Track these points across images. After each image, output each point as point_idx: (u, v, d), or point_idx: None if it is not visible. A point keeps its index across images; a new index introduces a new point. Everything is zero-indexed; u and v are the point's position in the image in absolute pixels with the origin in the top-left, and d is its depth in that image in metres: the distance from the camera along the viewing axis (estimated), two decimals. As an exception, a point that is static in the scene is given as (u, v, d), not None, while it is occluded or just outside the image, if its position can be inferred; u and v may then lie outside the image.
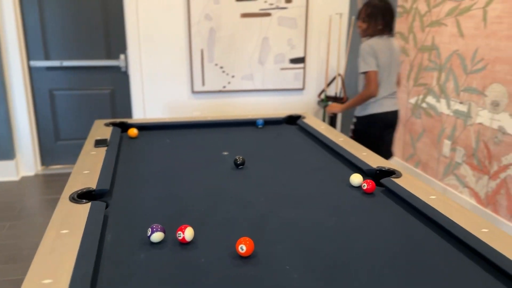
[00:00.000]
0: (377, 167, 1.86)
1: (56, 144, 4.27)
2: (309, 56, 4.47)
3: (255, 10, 4.21)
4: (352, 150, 2.11)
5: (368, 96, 2.85)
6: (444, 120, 3.44)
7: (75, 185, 1.60)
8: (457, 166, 3.29)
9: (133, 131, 2.41)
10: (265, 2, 4.20)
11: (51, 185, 3.87)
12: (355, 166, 1.93)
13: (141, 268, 1.15)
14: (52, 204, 3.46)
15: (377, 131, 2.92)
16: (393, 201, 1.58)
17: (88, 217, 1.34)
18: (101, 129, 2.43)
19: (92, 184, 1.61)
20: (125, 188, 1.68)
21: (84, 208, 1.41)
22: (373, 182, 1.64)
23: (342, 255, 1.22)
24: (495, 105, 2.91)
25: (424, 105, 3.69)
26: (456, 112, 3.30)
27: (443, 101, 3.45)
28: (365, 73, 2.85)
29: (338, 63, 4.44)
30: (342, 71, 4.43)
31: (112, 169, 1.79)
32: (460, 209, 1.46)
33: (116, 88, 4.23)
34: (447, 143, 3.41)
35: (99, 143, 2.12)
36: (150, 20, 4.01)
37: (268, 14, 4.24)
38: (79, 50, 4.05)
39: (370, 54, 2.82)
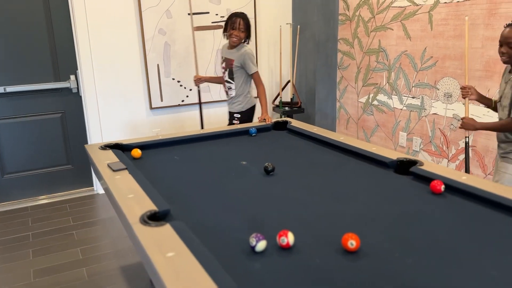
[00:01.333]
0: (397, 158, 2.05)
1: (3, 179, 3.86)
2: (260, 65, 4.62)
3: (208, 23, 4.25)
4: (362, 146, 2.29)
5: (264, 90, 3.33)
6: (398, 114, 3.82)
7: (132, 210, 1.54)
8: (415, 154, 3.67)
9: (137, 152, 2.33)
10: (217, 15, 4.27)
11: (1, 225, 3.49)
12: (375, 160, 2.10)
13: (266, 277, 1.17)
14: (11, 247, 3.12)
15: (252, 119, 3.47)
16: (423, 183, 1.76)
17: (180, 237, 1.32)
18: (101, 153, 2.30)
19: (146, 207, 1.56)
20: (182, 205, 1.66)
21: (167, 229, 1.38)
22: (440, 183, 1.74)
23: (426, 238, 1.37)
24: (448, 96, 3.32)
25: (375, 102, 4.05)
26: (410, 106, 3.68)
27: (395, 97, 3.82)
28: (255, 73, 3.26)
29: (289, 70, 4.65)
30: (291, 77, 4.65)
31: (154, 190, 1.75)
32: (495, 184, 1.70)
33: (67, 111, 3.95)
34: (402, 135, 3.79)
35: (117, 167, 2.02)
36: (101, 37, 3.84)
37: (220, 27, 4.30)
38: (23, 74, 3.72)
39: (254, 57, 3.31)
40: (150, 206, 1.57)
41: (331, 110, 4.59)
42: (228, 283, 1.08)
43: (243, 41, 3.28)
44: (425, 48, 3.43)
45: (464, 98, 2.55)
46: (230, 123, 3.50)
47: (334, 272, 1.19)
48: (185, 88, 4.28)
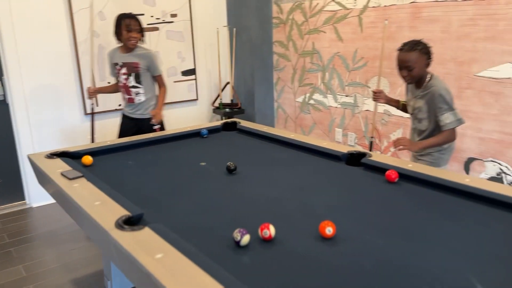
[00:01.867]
0: (348, 151, 2.20)
1: None
2: (198, 68, 4.63)
3: (143, 25, 4.16)
4: (314, 142, 2.42)
5: (166, 92, 3.35)
6: (333, 112, 4.05)
7: (104, 217, 1.50)
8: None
9: (88, 159, 2.24)
10: (152, 16, 4.19)
11: None
12: (328, 154, 2.24)
13: (256, 268, 1.23)
14: None
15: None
16: (377, 174, 1.92)
17: (164, 238, 1.32)
18: (49, 162, 2.18)
19: (117, 213, 1.53)
20: (153, 209, 1.64)
21: (147, 232, 1.37)
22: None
23: (391, 221, 1.52)
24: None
25: (312, 101, 4.26)
26: (344, 104, 3.92)
27: (330, 96, 4.05)
28: (160, 74, 3.25)
29: (228, 72, 4.71)
30: (230, 79, 4.71)
31: (120, 195, 1.71)
32: (440, 170, 1.90)
33: (-8, 120, 3.65)
34: (338, 131, 4.03)
35: (72, 175, 1.94)
36: (30, 41, 3.59)
37: (156, 29, 4.24)
38: None
39: (159, 59, 3.27)
40: (121, 211, 1.54)
41: (269, 110, 4.73)
42: (223, 275, 1.11)
43: (137, 43, 3.17)
44: (356, 50, 3.68)
45: (374, 101, 2.69)
46: (139, 131, 3.14)
47: (317, 258, 1.27)
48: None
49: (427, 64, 2.26)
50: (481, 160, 2.95)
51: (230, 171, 2.04)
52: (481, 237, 1.37)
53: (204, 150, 2.50)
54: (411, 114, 2.44)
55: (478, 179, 1.79)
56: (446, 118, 2.19)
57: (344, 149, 2.26)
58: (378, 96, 2.63)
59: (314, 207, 1.64)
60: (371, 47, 3.55)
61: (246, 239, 1.33)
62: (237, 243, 1.33)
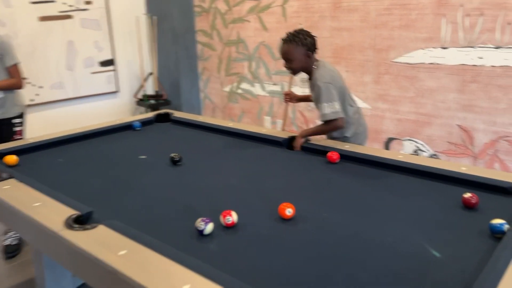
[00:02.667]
0: (288, 136, 2.26)
1: None
2: (118, 58, 4.40)
3: (54, 12, 3.84)
4: (254, 129, 2.44)
5: (18, 87, 2.82)
6: (262, 100, 4.12)
7: (48, 218, 1.38)
8: (279, 135, 4.04)
9: (12, 158, 2.03)
10: (64, 3, 3.89)
11: None
12: (269, 140, 2.28)
13: (225, 254, 1.23)
14: None
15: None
16: (319, 156, 2.02)
17: (123, 234, 1.26)
18: (-35, 164, 1.94)
19: (63, 212, 1.42)
20: (102, 206, 1.54)
21: (103, 230, 1.29)
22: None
23: (342, 198, 1.60)
24: (304, 82, 3.73)
25: (239, 91, 4.28)
26: (271, 92, 4.01)
27: (257, 85, 4.11)
28: (14, 65, 2.75)
29: (151, 63, 4.54)
30: (153, 69, 4.56)
31: (61, 194, 1.58)
32: (375, 149, 2.04)
33: None
34: (267, 119, 4.11)
35: (-1, 176, 1.75)
36: None
37: (69, 17, 3.94)
38: None
39: (13, 48, 2.81)
40: (67, 211, 1.43)
41: (196, 100, 4.67)
42: (194, 263, 1.10)
43: None
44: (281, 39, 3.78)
45: (286, 102, 2.66)
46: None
47: (282, 237, 1.31)
48: (33, 85, 3.82)
49: (308, 55, 2.18)
50: (399, 139, 3.22)
51: (174, 162, 1.99)
52: (421, 206, 1.50)
53: (140, 143, 2.41)
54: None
55: (410, 155, 1.96)
56: (322, 109, 2.17)
57: (283, 134, 2.32)
58: (288, 98, 2.62)
59: (267, 192, 1.67)
60: (296, 35, 3.67)
61: (210, 227, 1.32)
62: (201, 232, 1.31)
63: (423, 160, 1.85)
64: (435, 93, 2.95)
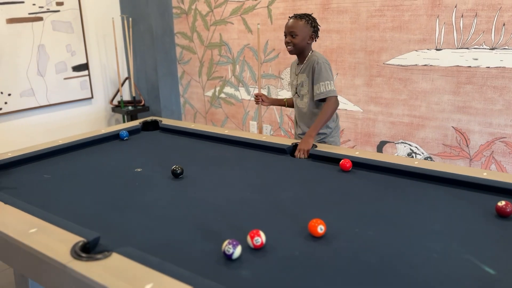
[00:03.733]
0: (292, 143, 2.15)
1: None
2: (92, 62, 4.15)
3: (24, 14, 3.57)
4: (254, 136, 2.31)
5: None
6: (247, 105, 3.98)
7: (50, 247, 1.20)
8: (265, 140, 3.92)
9: (-10, 176, 1.81)
10: (34, 5, 3.62)
11: None
12: (274, 149, 2.15)
13: (262, 281, 1.10)
14: None
15: None
16: (326, 164, 1.91)
17: (144, 263, 1.10)
18: None
19: (67, 240, 1.24)
20: (107, 229, 1.37)
21: (119, 259, 1.13)
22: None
23: (367, 210, 1.50)
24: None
25: (222, 95, 4.13)
26: (257, 95, 3.89)
27: (242, 89, 3.97)
28: None
29: (127, 66, 4.32)
30: (130, 73, 4.34)
31: (58, 217, 1.40)
32: (386, 155, 1.95)
33: None
34: (253, 124, 3.98)
35: (-20, 198, 1.53)
36: None
37: (40, 19, 3.67)
38: None
39: None
40: (70, 237, 1.25)
41: (175, 106, 4.48)
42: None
43: None
44: (267, 41, 3.67)
45: (257, 104, 2.64)
46: None
47: (320, 259, 1.19)
48: (1, 93, 3.53)
49: (311, 37, 2.24)
50: (393, 142, 3.18)
51: (176, 175, 1.83)
52: (453, 216, 1.42)
53: (131, 154, 2.23)
54: (295, 93, 2.40)
55: (424, 161, 1.89)
56: (321, 87, 2.18)
57: (286, 141, 2.20)
58: (258, 99, 2.57)
59: (285, 205, 1.54)
60: (282, 38, 3.54)
61: (239, 250, 1.18)
62: (229, 256, 1.17)
63: (439, 166, 1.78)
64: (429, 95, 2.93)
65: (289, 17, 2.26)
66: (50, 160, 2.13)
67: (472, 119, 2.79)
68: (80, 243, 1.20)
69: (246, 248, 1.23)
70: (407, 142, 3.11)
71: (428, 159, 3.02)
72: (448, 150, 2.94)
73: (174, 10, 4.28)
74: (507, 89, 2.61)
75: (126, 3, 4.28)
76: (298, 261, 1.18)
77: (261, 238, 1.23)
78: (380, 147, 3.25)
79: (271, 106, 3.80)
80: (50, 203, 1.60)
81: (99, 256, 1.15)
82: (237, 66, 3.94)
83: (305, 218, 1.40)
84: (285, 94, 3.67)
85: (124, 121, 4.31)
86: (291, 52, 2.28)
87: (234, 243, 1.18)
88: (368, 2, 3.04)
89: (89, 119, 4.23)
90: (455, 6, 2.69)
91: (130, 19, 4.22)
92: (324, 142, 2.30)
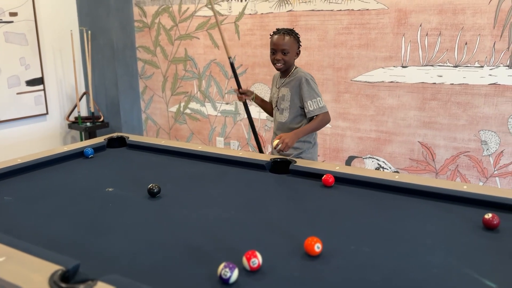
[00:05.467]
0: (270, 159, 2.10)
1: None
2: (48, 76, 3.93)
3: (-28, 23, 3.32)
4: (230, 152, 2.24)
5: None
6: (213, 121, 3.91)
7: (24, 278, 1.07)
8: (232, 157, 3.85)
9: None
10: (-16, 14, 3.39)
11: None
12: (252, 165, 2.09)
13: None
14: None
15: None
16: (307, 179, 1.88)
17: (137, 294, 1.00)
18: None
19: (42, 269, 1.11)
20: (84, 255, 1.24)
21: (105, 289, 1.02)
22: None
23: (359, 226, 1.48)
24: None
25: (187, 111, 4.04)
26: (224, 112, 3.82)
27: (208, 104, 3.90)
28: None
29: (86, 81, 4.13)
30: (88, 88, 4.14)
31: (28, 244, 1.26)
32: (368, 170, 1.95)
33: None
34: (220, 140, 3.91)
35: None
36: None
37: (-9, 29, 3.44)
38: None
39: None
40: (45, 265, 1.12)
41: (137, 122, 4.32)
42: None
43: None
44: (234, 57, 3.64)
45: (240, 101, 2.57)
46: None
47: (321, 279, 1.13)
48: None
49: (297, 54, 2.27)
50: (361, 157, 3.22)
51: (153, 194, 1.72)
52: (443, 230, 1.43)
53: (98, 172, 2.09)
54: (275, 106, 2.40)
55: (406, 175, 1.90)
56: (314, 104, 2.19)
57: (264, 157, 2.15)
58: (243, 95, 2.52)
59: (275, 223, 1.48)
60: (250, 54, 3.55)
61: (236, 274, 1.10)
62: (226, 280, 1.09)
63: (421, 180, 1.80)
64: (396, 110, 3.00)
65: (274, 32, 2.23)
66: (9, 180, 1.95)
67: (437, 134, 2.88)
68: (59, 272, 1.08)
69: (242, 270, 1.16)
70: (374, 157, 3.16)
71: (396, 173, 3.07)
72: (414, 164, 3.01)
73: (136, 24, 4.16)
74: (470, 105, 2.73)
75: (85, 15, 4.11)
76: (300, 283, 1.12)
77: (258, 259, 1.16)
78: (348, 162, 3.28)
79: (239, 122, 3.76)
80: (16, 227, 1.45)
81: (81, 286, 1.03)
82: (203, 81, 3.87)
83: (298, 236, 1.35)
84: (254, 109, 3.64)
85: (81, 138, 4.10)
86: (280, 69, 2.27)
87: (231, 266, 1.11)
88: (336, 20, 3.10)
89: (44, 136, 3.98)
90: (420, 25, 2.80)
91: (89, 32, 4.05)
92: (301, 158, 2.28)
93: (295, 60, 2.29)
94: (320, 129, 2.31)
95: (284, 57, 2.20)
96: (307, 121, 2.27)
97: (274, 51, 2.22)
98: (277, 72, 2.37)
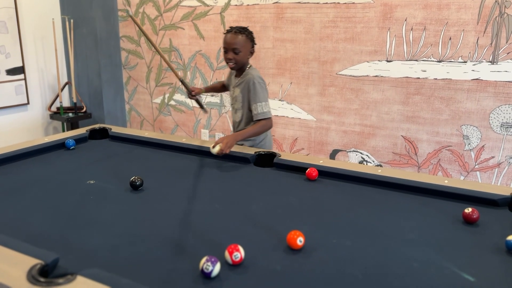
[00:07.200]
0: (255, 152, 2.09)
1: None
2: (28, 65, 3.84)
3: (-51, 9, 3.22)
4: (200, 143, 2.23)
5: None
6: (198, 113, 3.88)
7: (4, 273, 1.05)
8: (217, 149, 3.83)
9: None
10: (-38, 0, 3.28)
11: None
12: (236, 158, 2.08)
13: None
14: None
15: None
16: (291, 173, 1.88)
17: (114, 286, 0.99)
18: None
19: (21, 263, 1.09)
20: (64, 249, 1.23)
21: (84, 283, 1.00)
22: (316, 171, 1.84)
23: (341, 219, 1.48)
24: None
25: (172, 102, 4.00)
26: (209, 104, 3.79)
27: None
28: None
29: (68, 71, 4.04)
30: (70, 78, 4.06)
31: (6, 237, 1.23)
32: (352, 164, 1.95)
33: None
34: (205, 132, 3.88)
35: None
36: None
37: (-31, 16, 3.34)
38: None
39: None
40: (23, 259, 1.10)
41: (120, 113, 4.26)
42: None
43: None
44: (220, 48, 3.60)
45: (191, 98, 2.53)
46: None
47: (302, 273, 1.14)
48: None
49: (251, 52, 2.26)
50: (345, 151, 3.24)
51: (135, 187, 1.70)
52: (423, 224, 1.44)
53: (80, 164, 2.05)
54: (232, 105, 2.42)
55: (389, 169, 1.92)
56: (258, 108, 2.19)
57: (249, 150, 2.14)
58: (193, 93, 2.50)
59: (257, 217, 1.48)
60: (235, 45, 3.52)
61: (218, 267, 1.10)
62: (208, 274, 1.09)
63: (403, 174, 1.82)
64: (380, 105, 3.02)
65: (227, 30, 2.21)
66: (-13, 171, 1.91)
67: (420, 128, 2.91)
68: (38, 266, 1.06)
69: (224, 264, 1.16)
70: (358, 150, 3.18)
71: (379, 166, 3.10)
72: (397, 158, 3.04)
73: (119, 13, 4.09)
74: (453, 100, 2.76)
75: (68, 3, 4.02)
76: (282, 276, 1.12)
77: (240, 253, 1.16)
78: (332, 155, 3.29)
79: (224, 114, 3.74)
80: (18, 217, 1.42)
81: (60, 280, 1.01)
82: (188, 73, 3.84)
83: (280, 230, 1.36)
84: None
85: (64, 129, 4.02)
86: (233, 68, 2.27)
87: (213, 260, 1.10)
88: (322, 13, 3.09)
89: (24, 127, 3.90)
90: (405, 20, 2.81)
91: (72, 20, 3.97)
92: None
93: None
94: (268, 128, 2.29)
95: (235, 56, 2.18)
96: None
97: (226, 50, 2.20)
98: None
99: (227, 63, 2.23)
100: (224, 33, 2.22)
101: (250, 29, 2.28)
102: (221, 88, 2.60)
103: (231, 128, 2.46)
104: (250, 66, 2.29)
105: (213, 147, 2.00)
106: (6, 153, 2.07)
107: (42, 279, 1.02)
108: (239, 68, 2.28)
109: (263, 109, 2.19)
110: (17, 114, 3.84)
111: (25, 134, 3.89)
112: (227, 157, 2.10)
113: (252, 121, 2.28)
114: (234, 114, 2.40)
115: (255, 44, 2.27)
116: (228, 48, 2.18)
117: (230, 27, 2.23)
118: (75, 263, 1.14)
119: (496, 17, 2.57)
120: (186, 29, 3.74)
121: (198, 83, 3.79)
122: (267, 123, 2.22)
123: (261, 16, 3.33)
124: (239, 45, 2.16)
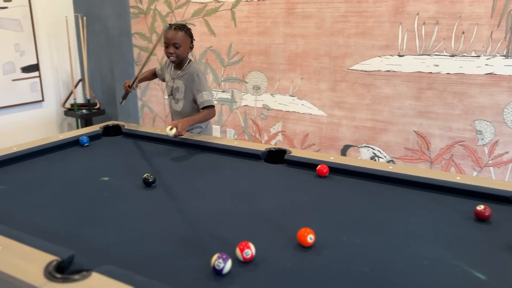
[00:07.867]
0: (266, 149, 2.11)
1: None
2: (43, 63, 3.90)
3: (-34, 9, 3.28)
4: (226, 142, 2.25)
5: None
6: (209, 108, 3.90)
7: (20, 268, 1.08)
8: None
9: None
10: (-23, -1, 3.34)
11: None
12: (247, 154, 2.10)
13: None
14: None
15: None
16: (302, 169, 1.89)
17: (128, 284, 1.01)
18: None
19: (38, 259, 1.12)
20: (80, 245, 1.26)
21: (98, 279, 1.03)
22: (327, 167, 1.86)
23: (350, 216, 1.49)
24: (256, 89, 3.60)
25: (183, 98, 4.03)
26: (220, 100, 3.81)
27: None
28: None
29: (82, 68, 4.09)
30: (84, 75, 4.11)
31: (24, 234, 1.27)
32: (356, 159, 1.95)
33: None
34: (216, 128, 3.90)
35: None
36: None
37: (-16, 15, 3.39)
38: None
39: None
40: (41, 256, 1.13)
41: (133, 109, 4.31)
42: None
43: None
44: (231, 44, 3.61)
45: (129, 90, 2.78)
46: None
47: (313, 270, 1.15)
48: None
49: (191, 48, 2.46)
50: (356, 146, 3.23)
51: (148, 184, 1.73)
52: (434, 221, 1.44)
53: (94, 161, 2.09)
54: (170, 95, 2.59)
55: (400, 165, 1.91)
56: (204, 96, 2.40)
57: (260, 147, 2.16)
58: (130, 90, 2.77)
59: (268, 214, 1.50)
60: (246, 41, 3.53)
61: (229, 264, 1.12)
62: (219, 271, 1.11)
63: (415, 171, 1.81)
64: (392, 100, 3.00)
65: (167, 27, 2.42)
66: (4, 169, 1.95)
67: (432, 124, 2.88)
68: (54, 263, 1.09)
69: (235, 261, 1.17)
70: (370, 146, 3.17)
71: (391, 162, 3.09)
72: (409, 153, 3.03)
73: (131, 10, 4.11)
74: (466, 95, 2.73)
75: (80, 1, 4.06)
76: (292, 273, 1.14)
77: (251, 250, 1.18)
78: (344, 151, 3.29)
79: (235, 110, 3.75)
80: (10, 217, 1.46)
81: (76, 276, 1.05)
82: (199, 69, 3.85)
83: (291, 227, 1.37)
84: (250, 97, 3.63)
85: (78, 126, 4.08)
86: (174, 62, 2.45)
87: (224, 257, 1.12)
88: (333, 8, 3.07)
89: (39, 123, 3.97)
90: (417, 14, 2.78)
91: (85, 18, 4.01)
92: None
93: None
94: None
95: (176, 50, 2.37)
96: (197, 111, 2.46)
97: (167, 45, 2.39)
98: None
99: (168, 57, 2.41)
100: (166, 29, 2.40)
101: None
102: (151, 76, 2.88)
103: (171, 117, 2.68)
104: (191, 60, 2.50)
105: (170, 129, 2.14)
106: (23, 150, 2.11)
107: (58, 275, 1.05)
108: (180, 62, 2.46)
109: (208, 97, 2.41)
110: (32, 111, 3.90)
111: (40, 130, 3.95)
112: (238, 154, 2.12)
113: (192, 110, 2.48)
114: (174, 104, 2.57)
115: (194, 39, 2.48)
116: (169, 43, 2.36)
117: (170, 24, 2.42)
118: (90, 259, 1.17)
119: (510, 10, 2.53)
120: (197, 25, 3.75)
121: (210, 79, 3.81)
122: (212, 111, 2.43)
123: (272, 12, 3.32)
124: (179, 40, 2.35)
